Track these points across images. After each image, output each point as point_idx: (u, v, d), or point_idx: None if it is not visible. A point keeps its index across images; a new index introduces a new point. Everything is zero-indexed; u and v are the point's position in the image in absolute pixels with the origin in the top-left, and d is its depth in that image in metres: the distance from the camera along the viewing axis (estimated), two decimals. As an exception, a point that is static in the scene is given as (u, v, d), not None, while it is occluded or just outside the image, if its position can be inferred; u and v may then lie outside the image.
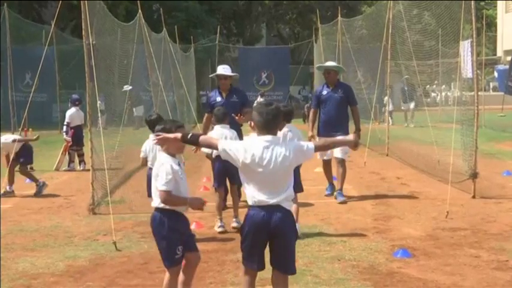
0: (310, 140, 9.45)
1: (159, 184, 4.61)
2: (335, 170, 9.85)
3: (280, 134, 7.28)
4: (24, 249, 7.04)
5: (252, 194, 4.21)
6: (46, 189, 10.74)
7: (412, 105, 23.18)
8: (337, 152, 9.49)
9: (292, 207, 7.17)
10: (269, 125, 4.23)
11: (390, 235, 7.44)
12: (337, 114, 9.56)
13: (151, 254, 6.67)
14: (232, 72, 9.22)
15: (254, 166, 4.16)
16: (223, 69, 8.98)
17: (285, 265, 4.33)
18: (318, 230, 7.69)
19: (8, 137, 10.90)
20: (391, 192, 10.39)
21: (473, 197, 9.56)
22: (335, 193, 9.70)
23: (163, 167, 4.62)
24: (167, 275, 4.71)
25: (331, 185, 10.03)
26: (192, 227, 6.37)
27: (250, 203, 4.26)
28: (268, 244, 4.30)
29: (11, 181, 10.64)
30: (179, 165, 4.71)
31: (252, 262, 4.32)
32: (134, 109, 21.67)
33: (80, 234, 7.73)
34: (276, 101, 31.44)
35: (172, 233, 4.61)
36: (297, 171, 6.49)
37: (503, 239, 7.17)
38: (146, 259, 6.53)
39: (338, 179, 9.78)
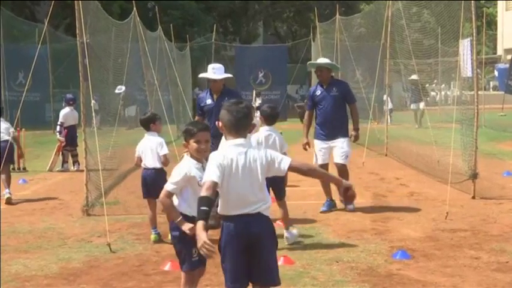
0: (304, 148, 9.03)
1: (167, 182, 4.48)
2: None
3: (260, 136, 7.04)
4: (17, 251, 6.96)
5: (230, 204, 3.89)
6: (40, 191, 10.61)
7: (421, 105, 22.00)
8: (336, 157, 8.88)
9: (281, 214, 7.09)
10: (239, 125, 3.89)
11: (389, 236, 7.39)
12: (334, 115, 8.86)
13: (147, 256, 6.66)
14: (226, 71, 8.40)
15: (231, 176, 3.83)
16: (214, 71, 8.12)
17: (266, 277, 3.92)
18: (315, 232, 7.64)
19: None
20: (390, 193, 10.35)
21: (473, 197, 9.52)
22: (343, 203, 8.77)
23: (178, 169, 4.50)
24: (182, 280, 4.61)
25: (330, 201, 8.95)
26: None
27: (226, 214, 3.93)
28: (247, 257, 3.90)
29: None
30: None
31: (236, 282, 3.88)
32: (126, 109, 21.47)
33: (73, 236, 7.66)
34: (274, 100, 31.49)
35: (185, 236, 4.39)
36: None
37: (503, 240, 7.13)
38: (141, 261, 6.47)
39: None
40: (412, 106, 23.11)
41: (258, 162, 3.84)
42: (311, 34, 29.95)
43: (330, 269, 6.11)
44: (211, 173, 3.77)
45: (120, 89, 15.64)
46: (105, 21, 12.27)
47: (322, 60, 9.85)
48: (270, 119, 7.15)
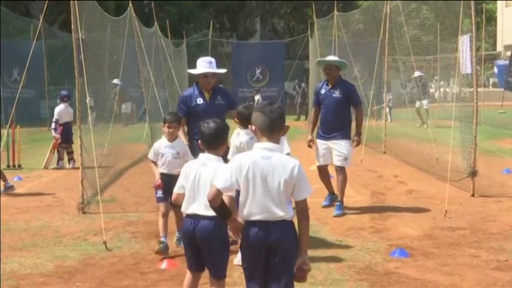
0: (308, 145, 8.82)
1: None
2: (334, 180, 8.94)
3: (242, 141, 6.29)
4: (12, 249, 6.91)
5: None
6: (35, 188, 10.54)
7: (425, 103, 21.24)
8: (335, 160, 8.59)
9: None
10: (274, 126, 3.88)
11: (387, 234, 7.36)
12: (335, 117, 8.57)
13: (143, 254, 6.64)
14: (223, 68, 7.71)
15: (252, 180, 3.83)
16: (208, 64, 7.06)
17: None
18: (313, 230, 7.54)
19: None
20: (389, 191, 10.32)
21: (473, 195, 9.50)
22: (335, 204, 8.66)
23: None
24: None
25: (331, 195, 8.93)
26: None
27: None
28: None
29: (4, 178, 10.43)
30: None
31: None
32: (123, 106, 21.30)
33: (69, 234, 7.61)
34: (271, 97, 31.41)
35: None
36: None
37: (503, 238, 7.12)
38: (137, 259, 6.44)
39: (337, 189, 8.74)
40: (417, 104, 22.20)
41: (280, 173, 3.79)
42: (309, 30, 29.86)
43: (328, 267, 6.08)
44: (225, 180, 3.86)
45: (118, 81, 15.51)
46: (101, 17, 12.19)
47: (332, 57, 9.60)
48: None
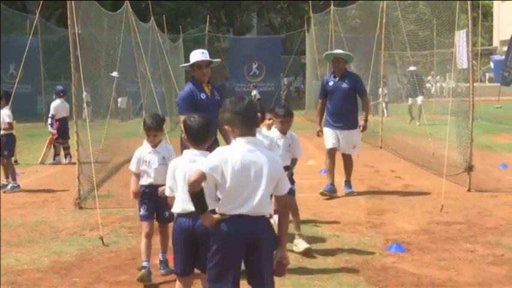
0: (318, 134, 9.52)
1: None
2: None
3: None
4: (8, 244, 6.89)
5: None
6: (31, 184, 10.53)
7: (419, 99, 20.45)
8: (344, 147, 9.35)
9: None
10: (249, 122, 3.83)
11: (384, 229, 7.36)
12: (344, 106, 9.24)
13: (139, 250, 6.50)
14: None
15: (232, 173, 3.76)
16: (200, 54, 6.62)
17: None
18: (310, 225, 7.58)
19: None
20: (385, 186, 10.33)
21: (469, 190, 9.50)
22: (344, 184, 9.49)
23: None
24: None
25: (332, 185, 9.25)
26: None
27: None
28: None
29: (7, 174, 10.41)
30: None
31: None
32: (119, 99, 21.17)
33: (65, 229, 7.60)
34: (268, 92, 31.39)
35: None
36: None
37: (499, 233, 7.12)
38: (134, 254, 6.41)
39: (345, 172, 9.56)
40: (410, 100, 21.75)
41: (265, 168, 3.77)
42: (305, 25, 29.82)
43: (325, 262, 6.09)
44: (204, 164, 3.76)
45: (117, 74, 15.41)
46: (97, 12, 12.17)
47: (339, 51, 10.18)
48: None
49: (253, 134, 3.84)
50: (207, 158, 3.89)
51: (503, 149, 14.59)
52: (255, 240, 3.76)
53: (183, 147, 5.64)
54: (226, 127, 3.85)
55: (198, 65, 6.55)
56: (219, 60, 7.06)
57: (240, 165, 3.72)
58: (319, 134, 9.50)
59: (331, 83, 9.35)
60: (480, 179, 9.94)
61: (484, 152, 13.27)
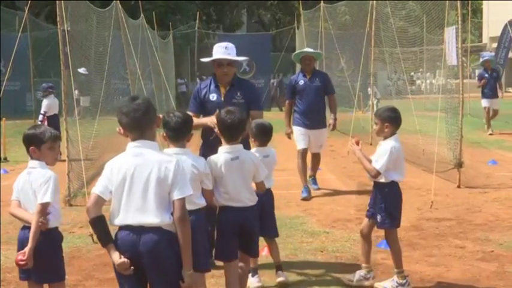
0: (288, 136, 9.46)
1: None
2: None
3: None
4: (-3, 242, 6.82)
5: None
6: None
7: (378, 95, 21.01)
8: (315, 148, 9.42)
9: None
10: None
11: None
12: (315, 105, 9.16)
13: (129, 248, 6.53)
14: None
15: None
16: (223, 50, 5.66)
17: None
18: (300, 221, 7.59)
19: None
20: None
21: (458, 186, 9.54)
22: (309, 179, 9.51)
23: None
24: None
25: (307, 187, 9.19)
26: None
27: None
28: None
29: None
30: None
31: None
32: (81, 98, 20.67)
33: (55, 227, 7.51)
34: (258, 89, 31.30)
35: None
36: None
37: (488, 229, 7.15)
38: (124, 252, 6.36)
39: (312, 169, 9.72)
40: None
41: (155, 171, 3.52)
42: (295, 22, 29.79)
43: (315, 258, 6.10)
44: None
45: (84, 70, 15.05)
46: (87, 8, 12.10)
47: (309, 49, 10.11)
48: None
49: (146, 137, 3.53)
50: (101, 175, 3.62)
51: (493, 146, 14.63)
52: (146, 259, 3.42)
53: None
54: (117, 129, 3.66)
55: (218, 62, 5.69)
56: (245, 58, 6.30)
57: (124, 173, 3.49)
58: (290, 136, 9.40)
59: (301, 82, 9.16)
60: (470, 176, 9.98)
61: (473, 149, 13.32)
